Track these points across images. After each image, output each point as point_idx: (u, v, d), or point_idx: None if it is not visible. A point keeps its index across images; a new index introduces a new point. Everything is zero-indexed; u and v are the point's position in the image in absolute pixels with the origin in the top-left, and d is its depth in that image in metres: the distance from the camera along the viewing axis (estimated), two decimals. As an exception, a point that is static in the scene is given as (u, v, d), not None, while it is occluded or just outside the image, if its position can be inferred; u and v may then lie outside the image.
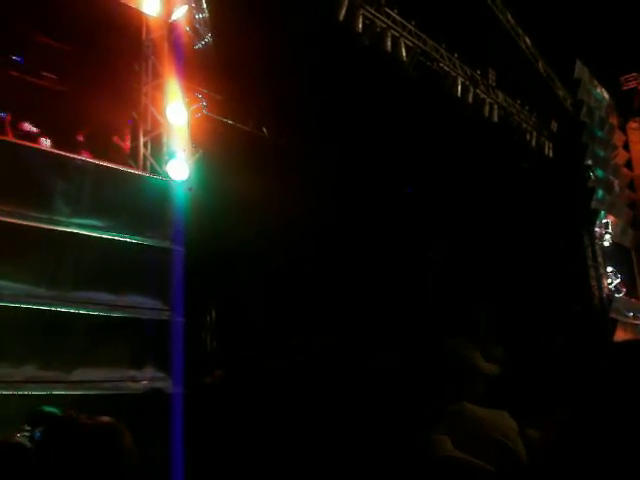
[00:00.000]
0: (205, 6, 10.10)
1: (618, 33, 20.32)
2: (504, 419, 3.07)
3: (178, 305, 8.74)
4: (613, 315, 20.39)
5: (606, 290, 20.87)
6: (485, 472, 2.21)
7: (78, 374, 8.01)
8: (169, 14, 9.82)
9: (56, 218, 8.10)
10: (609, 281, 21.22)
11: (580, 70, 21.19)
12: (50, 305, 7.85)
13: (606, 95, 23.88)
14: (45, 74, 9.72)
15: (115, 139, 9.73)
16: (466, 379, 3.14)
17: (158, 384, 8.54)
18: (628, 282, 22.84)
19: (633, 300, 22.91)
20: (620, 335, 20.18)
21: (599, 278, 20.78)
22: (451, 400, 3.10)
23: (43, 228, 7.92)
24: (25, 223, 7.74)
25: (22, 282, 7.69)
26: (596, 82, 22.80)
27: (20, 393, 7.36)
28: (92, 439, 2.35)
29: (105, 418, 2.53)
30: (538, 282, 17.57)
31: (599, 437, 2.09)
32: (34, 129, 8.79)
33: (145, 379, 8.58)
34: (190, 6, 9.92)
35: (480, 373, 3.16)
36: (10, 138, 8.27)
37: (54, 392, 7.67)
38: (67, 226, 8.16)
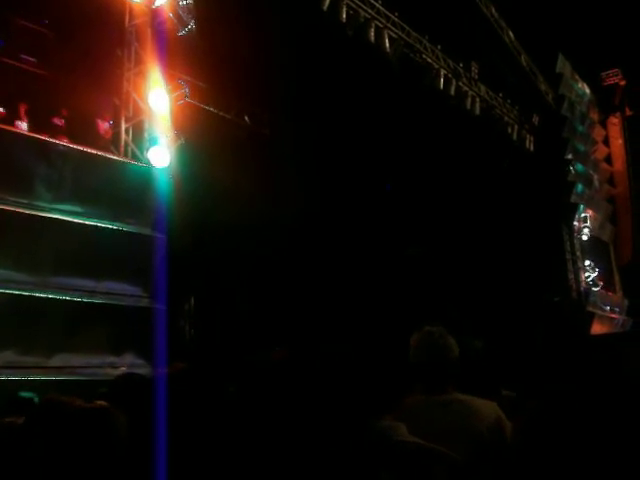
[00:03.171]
0: (189, -8, 10.05)
1: (600, 29, 20.48)
2: (492, 410, 3.11)
3: (160, 292, 8.72)
4: (590, 308, 20.60)
5: (583, 284, 21.07)
6: (441, 456, 2.24)
7: (57, 360, 7.99)
8: (153, 0, 9.75)
9: (37, 203, 8.06)
10: (587, 275, 21.41)
11: (562, 65, 21.33)
12: (30, 290, 7.83)
13: (587, 90, 24.07)
14: (25, 57, 9.62)
15: (98, 124, 9.66)
16: (445, 366, 3.17)
17: (138, 371, 8.52)
18: (605, 276, 23.07)
19: (610, 294, 23.15)
20: (597, 329, 20.41)
21: (577, 271, 20.98)
22: (431, 389, 3.14)
23: (24, 213, 7.88)
24: (5, 208, 7.69)
25: (2, 267, 7.64)
26: (577, 77, 22.97)
27: (-1, 378, 7.33)
28: (87, 421, 2.35)
29: (101, 402, 2.53)
30: (517, 275, 17.69)
31: (570, 427, 2.13)
32: (10, 112, 8.69)
33: (124, 365, 8.57)
34: (174, -8, 9.86)
35: (457, 361, 3.19)
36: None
37: (32, 377, 7.63)
38: (48, 212, 8.12)
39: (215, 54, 11.85)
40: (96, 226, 8.47)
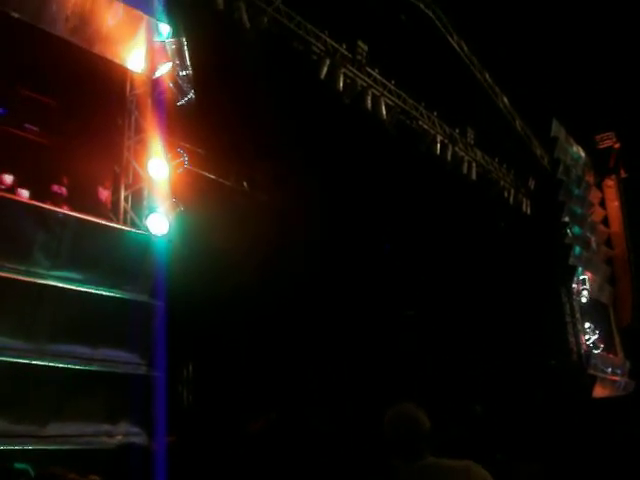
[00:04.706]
0: (189, 63, 10.27)
1: (594, 93, 20.86)
2: (470, 469, 3.21)
3: (158, 359, 8.69)
4: (591, 371, 20.43)
5: (584, 346, 20.95)
6: None
7: (52, 428, 7.89)
8: (153, 70, 9.96)
9: (35, 270, 8.07)
10: (587, 337, 21.31)
11: (556, 129, 21.64)
12: (27, 358, 7.77)
13: (582, 153, 24.35)
14: (28, 126, 9.77)
15: (98, 191, 9.78)
16: (420, 438, 3.37)
17: (133, 439, 8.43)
18: (606, 338, 22.96)
19: (611, 356, 23.00)
20: (599, 391, 20.22)
21: (577, 334, 20.88)
22: (409, 458, 3.31)
23: (22, 280, 7.88)
24: (3, 275, 7.70)
25: (-1, 334, 7.63)
26: (572, 141, 23.28)
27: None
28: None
29: (94, 477, 2.54)
30: (516, 338, 17.62)
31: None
32: (12, 180, 8.79)
33: (120, 434, 8.47)
34: (174, 63, 10.08)
35: (430, 432, 3.38)
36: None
37: (26, 447, 7.54)
38: (46, 278, 8.12)
39: (214, 121, 12.04)
40: (94, 293, 8.47)
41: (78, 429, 8.14)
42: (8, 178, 8.77)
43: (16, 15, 8.48)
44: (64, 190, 9.33)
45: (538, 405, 15.48)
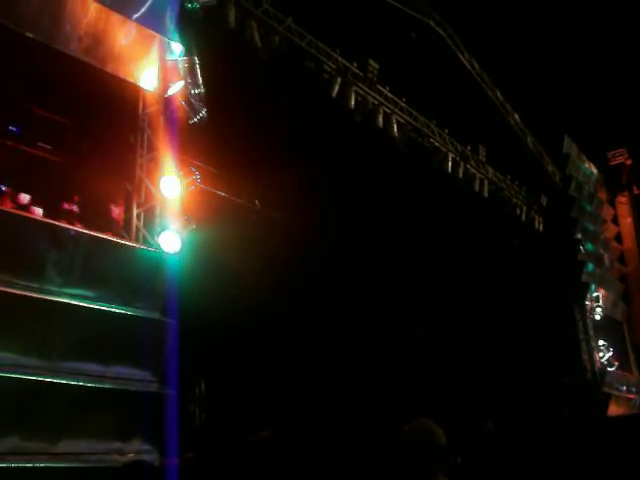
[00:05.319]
0: (201, 82, 10.34)
1: (605, 110, 20.86)
2: None
3: (172, 377, 8.67)
4: (606, 389, 20.25)
5: (598, 364, 20.77)
6: None
7: (63, 446, 7.86)
8: (165, 89, 10.02)
9: (47, 288, 8.08)
10: (601, 355, 21.14)
11: (568, 145, 21.61)
12: (39, 375, 7.77)
13: (594, 170, 24.28)
14: (40, 144, 9.84)
15: (110, 209, 9.82)
16: (435, 456, 3.32)
17: (145, 457, 8.40)
18: (620, 356, 22.76)
19: (626, 374, 22.79)
20: (613, 410, 20.04)
21: (591, 352, 20.70)
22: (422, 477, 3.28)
23: (34, 297, 7.90)
24: (16, 292, 7.72)
25: (11, 351, 7.63)
26: (584, 157, 23.22)
27: (2, 466, 7.20)
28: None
29: None
30: (529, 356, 17.52)
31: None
32: (28, 199, 8.84)
33: (131, 452, 8.44)
34: (186, 82, 10.14)
35: (446, 450, 3.34)
36: (5, 208, 8.31)
37: (37, 464, 7.52)
38: (58, 296, 8.13)
39: (226, 140, 12.10)
40: (106, 310, 8.47)
41: (89, 447, 8.11)
42: (25, 197, 8.85)
43: (30, 35, 8.55)
44: (77, 208, 9.38)
45: (553, 423, 15.37)
